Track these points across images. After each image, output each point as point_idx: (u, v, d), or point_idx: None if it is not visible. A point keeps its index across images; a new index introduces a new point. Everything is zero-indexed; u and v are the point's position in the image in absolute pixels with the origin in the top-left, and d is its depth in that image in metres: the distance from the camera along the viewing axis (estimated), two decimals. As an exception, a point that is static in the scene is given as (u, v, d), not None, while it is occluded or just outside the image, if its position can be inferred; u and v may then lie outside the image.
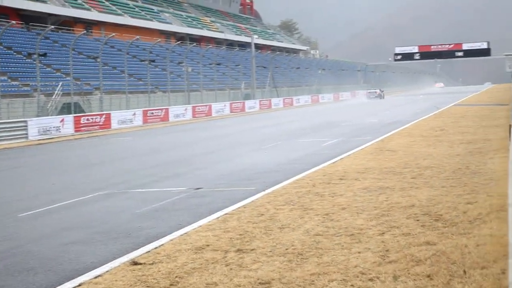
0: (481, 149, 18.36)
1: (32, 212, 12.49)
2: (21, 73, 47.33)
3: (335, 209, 10.63)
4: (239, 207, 11.40)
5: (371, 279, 6.83)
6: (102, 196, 14.12)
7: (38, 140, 34.45)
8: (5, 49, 49.75)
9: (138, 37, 61.10)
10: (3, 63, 45.88)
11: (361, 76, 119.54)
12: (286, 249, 8.28)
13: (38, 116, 39.31)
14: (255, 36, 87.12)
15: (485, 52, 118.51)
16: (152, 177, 16.74)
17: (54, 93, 44.70)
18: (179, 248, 8.68)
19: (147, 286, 7.10)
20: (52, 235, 10.30)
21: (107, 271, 7.84)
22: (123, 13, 73.20)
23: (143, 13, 78.28)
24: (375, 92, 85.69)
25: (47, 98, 44.39)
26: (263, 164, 18.21)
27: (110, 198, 13.79)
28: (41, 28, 56.15)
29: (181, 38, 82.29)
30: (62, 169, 20.83)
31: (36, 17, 59.79)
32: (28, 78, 46.47)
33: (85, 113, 43.44)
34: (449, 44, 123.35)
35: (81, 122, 39.17)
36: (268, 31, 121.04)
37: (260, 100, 67.97)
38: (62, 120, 37.70)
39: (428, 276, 6.81)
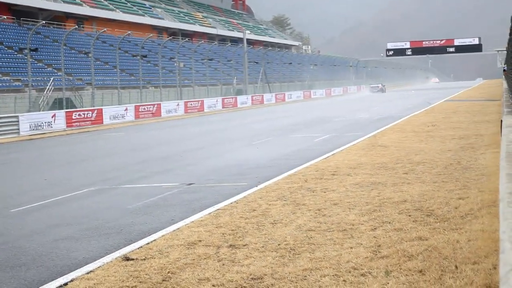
0: (473, 145, 18.41)
1: (23, 207, 12.45)
2: (12, 68, 47.18)
3: (327, 205, 10.64)
4: (231, 203, 11.40)
5: (363, 274, 6.84)
6: (94, 191, 14.10)
7: (30, 135, 34.36)
8: (-4, 44, 49.57)
9: (130, 32, 61.01)
10: (-6, 58, 45.71)
11: (353, 71, 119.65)
12: (279, 244, 8.28)
13: (29, 111, 39.20)
14: (247, 32, 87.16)
15: (477, 48, 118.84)
16: (144, 173, 16.72)
17: (45, 88, 44.60)
18: (171, 243, 8.67)
19: (140, 282, 7.09)
20: (44, 231, 10.28)
21: (99, 267, 7.83)
22: (114, 8, 73.03)
23: (135, 8, 78.11)
24: (378, 86, 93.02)
25: (38, 93, 44.28)
26: (255, 160, 18.21)
27: (102, 194, 13.77)
28: (33, 23, 55.99)
29: (173, 33, 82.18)
30: (54, 164, 20.78)
31: (27, 12, 59.60)
32: (19, 73, 46.35)
33: (76, 108, 43.36)
34: (441, 40, 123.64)
35: (73, 117, 39.08)
36: (260, 26, 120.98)
37: (252, 96, 67.96)
38: (54, 116, 37.60)
39: (420, 271, 6.82)
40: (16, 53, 49.82)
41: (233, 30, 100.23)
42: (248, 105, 64.40)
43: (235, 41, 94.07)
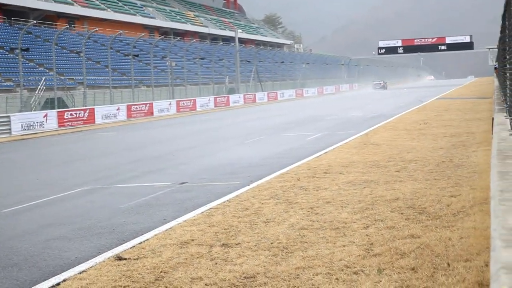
0: (465, 142, 18.46)
1: (15, 207, 12.42)
2: (3, 68, 47.02)
3: (320, 203, 10.65)
4: (224, 202, 11.40)
5: (355, 272, 6.85)
6: (86, 191, 14.07)
7: (22, 135, 34.27)
8: (-13, 44, 49.41)
9: (121, 31, 60.91)
10: (-15, 58, 45.56)
11: (345, 70, 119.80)
12: (271, 243, 8.28)
13: (21, 111, 39.09)
14: (239, 31, 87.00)
15: (468, 46, 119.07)
16: (136, 172, 16.70)
17: (37, 88, 44.48)
18: (164, 243, 8.67)
19: (132, 281, 7.09)
20: (36, 231, 10.25)
21: (91, 267, 7.81)
22: (106, 8, 72.89)
23: (126, 7, 77.97)
24: (380, 83, 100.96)
25: (30, 93, 44.15)
26: (248, 159, 18.21)
27: (94, 193, 13.74)
28: (24, 22, 55.81)
29: (164, 32, 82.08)
30: (46, 164, 20.73)
31: (19, 12, 59.42)
32: (10, 73, 46.21)
33: (68, 108, 43.25)
34: (432, 38, 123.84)
35: (65, 117, 38.98)
36: (252, 25, 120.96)
37: (245, 95, 67.95)
38: (46, 115, 37.50)
39: (413, 268, 6.84)
40: (7, 53, 49.66)
41: (224, 29, 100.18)
42: (240, 104, 64.39)
43: (227, 40, 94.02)
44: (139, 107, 47.44)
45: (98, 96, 49.09)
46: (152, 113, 48.22)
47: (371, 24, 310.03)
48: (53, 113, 38.30)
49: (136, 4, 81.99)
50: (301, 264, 7.25)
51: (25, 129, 35.29)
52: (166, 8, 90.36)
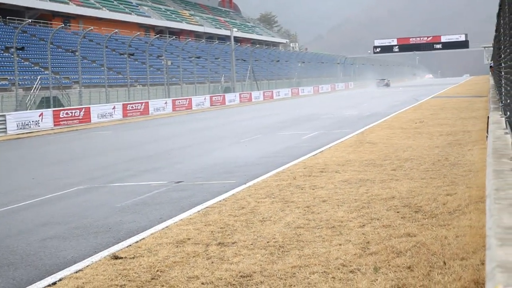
0: (460, 141, 18.49)
1: (11, 206, 12.40)
2: (-2, 67, 46.94)
3: (316, 202, 10.66)
4: (220, 200, 11.40)
5: (352, 271, 6.87)
6: (82, 190, 14.06)
7: (17, 134, 34.22)
8: (-18, 43, 49.31)
9: (116, 30, 60.83)
10: (-19, 57, 45.47)
11: (340, 68, 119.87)
12: (267, 242, 8.29)
13: (16, 110, 39.03)
14: (235, 29, 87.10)
15: (464, 44, 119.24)
16: (132, 171, 16.69)
17: (32, 87, 44.43)
18: (160, 242, 8.67)
19: (128, 280, 7.09)
20: (32, 230, 10.25)
21: (87, 266, 7.81)
22: (101, 7, 72.80)
23: (121, 6, 77.89)
24: (383, 81, 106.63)
25: (25, 92, 44.10)
26: (244, 157, 18.22)
27: (90, 192, 13.73)
28: (19, 21, 55.74)
29: (160, 31, 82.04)
30: (42, 163, 20.70)
31: (14, 11, 59.31)
32: (6, 72, 46.13)
33: (64, 107, 43.21)
34: (428, 37, 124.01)
35: (61, 116, 38.93)
36: (248, 24, 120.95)
37: (240, 93, 67.94)
38: (41, 114, 37.45)
39: (409, 267, 6.85)
40: (2, 52, 49.57)
41: (220, 28, 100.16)
42: (236, 102, 64.38)
43: (223, 39, 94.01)
44: (135, 106, 47.40)
45: (94, 95, 49.04)
46: (148, 112, 48.19)
47: (366, 23, 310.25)
48: (48, 112, 38.26)
49: (132, 3, 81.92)
50: (297, 263, 7.26)
51: (21, 128, 35.24)
52: (161, 7, 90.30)
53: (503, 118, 10.04)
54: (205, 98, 59.01)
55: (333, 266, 7.06)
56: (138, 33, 68.77)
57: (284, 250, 7.87)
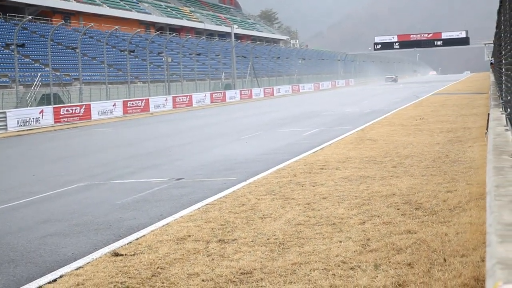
0: (461, 138, 18.48)
1: (11, 204, 12.41)
2: (-1, 64, 46.94)
3: (316, 199, 10.66)
4: (220, 197, 11.40)
5: (352, 268, 6.87)
6: (82, 187, 14.06)
7: (18, 131, 34.22)
8: (-18, 40, 49.30)
9: (117, 27, 60.77)
10: (-19, 54, 45.46)
11: (341, 65, 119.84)
12: (268, 239, 8.29)
13: (17, 107, 39.03)
14: (235, 26, 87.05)
15: (464, 41, 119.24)
16: (133, 168, 16.69)
17: (33, 84, 44.42)
18: (160, 238, 8.67)
19: (129, 277, 7.08)
20: (32, 227, 10.25)
21: (88, 263, 7.81)
22: (101, 3, 72.74)
23: (122, 3, 77.82)
24: (392, 77, 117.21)
25: (26, 89, 44.10)
26: (244, 154, 18.21)
27: (90, 190, 13.74)
28: (19, 18, 55.73)
29: (160, 28, 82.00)
30: (42, 160, 20.71)
31: (14, 7, 59.28)
32: (6, 69, 46.13)
33: (64, 104, 43.19)
34: (428, 33, 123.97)
35: (61, 113, 38.92)
36: (248, 21, 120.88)
37: (241, 90, 67.90)
38: (42, 111, 37.44)
39: (409, 264, 6.85)
40: (2, 48, 49.56)
41: (220, 25, 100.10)
42: (236, 99, 64.36)
43: (223, 35, 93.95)
44: (135, 103, 47.38)
45: (94, 92, 49.03)
46: (148, 109, 48.17)
47: (366, 19, 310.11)
48: (49, 109, 38.25)
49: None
50: (297, 259, 7.26)
51: (21, 125, 35.24)
52: (162, 3, 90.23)
53: (504, 115, 10.04)
54: (205, 95, 58.99)
55: (333, 263, 7.06)
56: (139, 30, 68.73)
57: (284, 247, 7.87)
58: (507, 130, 8.07)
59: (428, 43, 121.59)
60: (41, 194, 13.34)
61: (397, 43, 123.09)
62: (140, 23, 78.05)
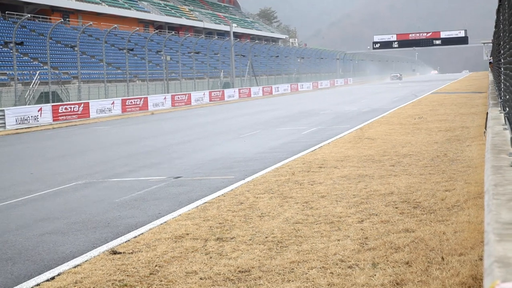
0: (459, 137, 18.49)
1: (9, 201, 12.40)
2: (-3, 62, 46.90)
3: (315, 197, 10.66)
4: (218, 196, 11.40)
5: (350, 267, 6.87)
6: (81, 185, 14.06)
7: (16, 129, 34.20)
8: (-19, 37, 49.25)
9: (116, 25, 60.78)
10: (-21, 52, 45.43)
11: (340, 64, 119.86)
12: (266, 237, 8.29)
13: (15, 105, 39.01)
14: (234, 25, 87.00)
15: (463, 40, 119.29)
16: (131, 166, 16.68)
17: (31, 82, 44.40)
18: (158, 237, 8.67)
19: (127, 275, 7.09)
20: (31, 225, 10.25)
21: (86, 261, 7.81)
22: (100, 2, 72.70)
23: (120, 1, 77.78)
24: (397, 75, 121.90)
25: (24, 87, 44.08)
26: (243, 153, 18.21)
27: (89, 188, 13.73)
28: (18, 16, 55.66)
29: (159, 26, 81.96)
30: (40, 158, 20.70)
31: (13, 6, 59.24)
32: (5, 67, 46.10)
33: (63, 102, 43.18)
34: (427, 33, 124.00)
35: (59, 111, 38.90)
36: (247, 19, 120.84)
37: (240, 89, 67.88)
38: (40, 109, 37.41)
39: (407, 263, 6.86)
40: (1, 46, 49.52)
41: (219, 23, 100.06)
42: (235, 98, 64.34)
43: (222, 34, 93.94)
44: (134, 101, 47.35)
45: (93, 90, 49.01)
46: (147, 108, 48.13)
47: (365, 18, 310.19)
48: (47, 107, 38.22)
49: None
50: (295, 258, 7.27)
51: (20, 123, 35.22)
52: (160, 2, 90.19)
53: (502, 114, 10.04)
54: (204, 94, 58.96)
55: (331, 262, 7.06)
56: (137, 28, 68.69)
57: (282, 245, 7.87)
58: (505, 129, 8.07)
59: (427, 42, 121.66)
60: (39, 192, 13.34)
61: (396, 42, 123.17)
62: (139, 21, 78.01)
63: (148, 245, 8.26)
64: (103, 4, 72.81)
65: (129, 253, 7.96)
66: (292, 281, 6.56)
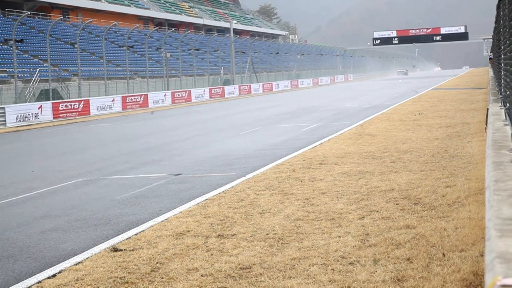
0: (459, 133, 18.48)
1: (10, 199, 12.41)
2: (-3, 60, 46.88)
3: (315, 194, 10.66)
4: (219, 193, 11.40)
5: (351, 263, 6.87)
6: (81, 182, 14.06)
7: (16, 127, 34.21)
8: (-19, 35, 49.23)
9: (115, 22, 60.73)
10: (-21, 49, 45.41)
11: (340, 61, 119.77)
12: (267, 234, 8.29)
13: (16, 102, 39.00)
14: (234, 22, 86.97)
15: (463, 36, 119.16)
16: (131, 164, 16.68)
17: (31, 79, 44.39)
18: (159, 234, 8.67)
19: (128, 273, 7.09)
20: (31, 223, 10.25)
21: (87, 258, 7.82)
22: (100, -1, 72.64)
23: (120, -2, 77.72)
24: (403, 71, 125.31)
25: (24, 84, 44.07)
26: (243, 150, 18.21)
27: (89, 185, 13.73)
28: (18, 13, 55.64)
29: (159, 23, 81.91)
30: (41, 156, 20.70)
31: (12, 3, 59.20)
32: (5, 65, 46.08)
33: (63, 99, 43.17)
34: (427, 29, 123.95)
35: (60, 108, 38.89)
36: (247, 16, 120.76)
37: (240, 86, 67.86)
38: (40, 107, 37.41)
39: (408, 259, 6.86)
40: (1, 44, 49.50)
41: (219, 20, 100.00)
42: (235, 95, 64.33)
43: (222, 31, 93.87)
44: (134, 98, 47.34)
45: (93, 88, 49.00)
46: (147, 105, 48.13)
47: (365, 15, 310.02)
48: (48, 105, 38.22)
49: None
50: (296, 255, 7.27)
51: (20, 121, 35.22)
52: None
53: (503, 110, 10.04)
54: (204, 91, 58.94)
55: (332, 258, 7.07)
56: (137, 25, 68.65)
57: (283, 242, 7.87)
58: (506, 125, 8.07)
59: (427, 38, 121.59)
60: (40, 189, 13.34)
61: (396, 39, 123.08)
62: (138, 18, 77.96)
63: (149, 242, 8.26)
64: (103, 1, 72.75)
65: (130, 250, 7.96)
66: (293, 277, 6.56)
